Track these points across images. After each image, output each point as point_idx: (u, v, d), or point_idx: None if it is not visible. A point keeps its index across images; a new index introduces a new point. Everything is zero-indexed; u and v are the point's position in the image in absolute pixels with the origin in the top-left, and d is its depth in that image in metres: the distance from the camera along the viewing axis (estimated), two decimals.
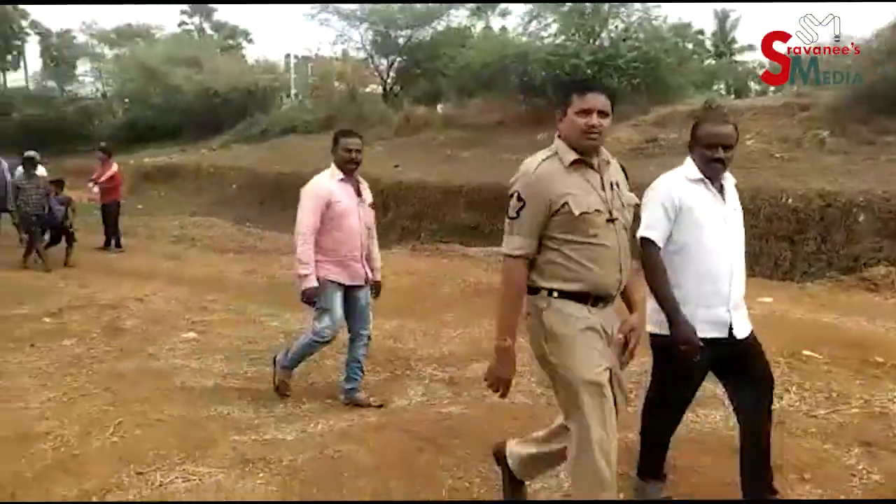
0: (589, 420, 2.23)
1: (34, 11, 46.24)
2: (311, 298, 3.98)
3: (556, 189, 2.26)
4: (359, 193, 4.17)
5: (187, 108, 32.17)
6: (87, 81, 45.34)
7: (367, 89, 27.68)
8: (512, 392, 4.10)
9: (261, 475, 3.04)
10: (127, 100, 37.13)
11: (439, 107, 21.96)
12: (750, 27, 62.22)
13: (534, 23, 20.56)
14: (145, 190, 20.61)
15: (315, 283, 3.94)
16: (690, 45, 23.10)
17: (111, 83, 41.99)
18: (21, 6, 41.92)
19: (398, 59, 27.18)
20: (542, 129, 15.92)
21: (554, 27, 19.93)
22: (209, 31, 50.67)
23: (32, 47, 47.42)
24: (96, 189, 10.70)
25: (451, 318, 6.32)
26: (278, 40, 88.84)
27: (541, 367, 2.52)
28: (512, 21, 24.42)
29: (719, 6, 35.45)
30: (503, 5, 25.43)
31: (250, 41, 51.58)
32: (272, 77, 33.77)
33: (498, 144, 15.85)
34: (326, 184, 4.08)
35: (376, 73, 27.64)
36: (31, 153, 9.89)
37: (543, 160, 2.34)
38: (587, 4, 19.04)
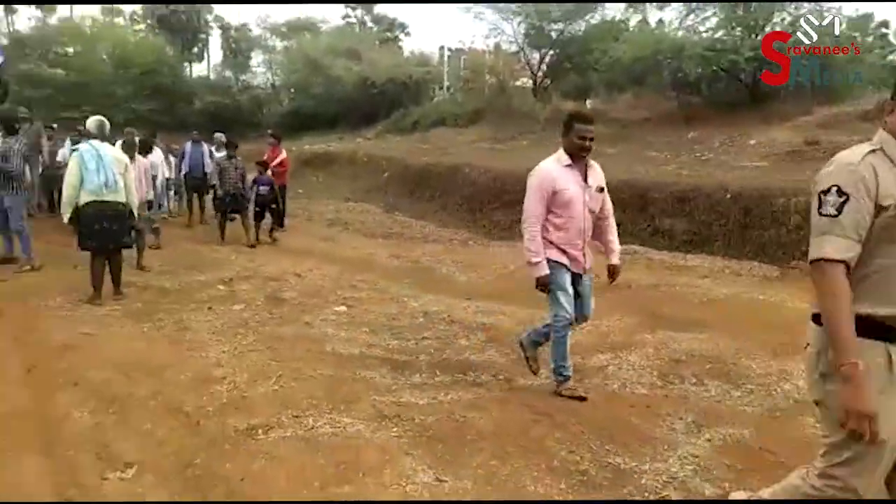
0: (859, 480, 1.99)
1: (217, 7, 50.62)
2: (545, 285, 3.95)
3: (886, 187, 1.95)
4: (585, 179, 4.03)
5: (346, 98, 33.88)
6: (259, 72, 48.75)
7: (518, 83, 27.85)
8: (632, 383, 4.35)
9: (394, 429, 3.52)
10: (292, 89, 39.65)
11: (588, 102, 21.77)
12: None
13: (691, 16, 19.88)
14: (305, 175, 22.04)
15: (547, 270, 3.91)
16: (870, 39, 21.22)
17: (280, 73, 44.97)
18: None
19: (550, 52, 27.11)
20: (693, 126, 15.50)
21: (713, 21, 19.17)
22: (369, 24, 53.12)
23: (215, 40, 51.89)
24: (269, 172, 11.67)
25: None
26: (434, 33, 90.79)
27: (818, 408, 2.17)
28: (669, 14, 23.51)
29: None
30: None
31: (407, 34, 53.25)
32: (426, 69, 34.78)
33: (643, 141, 15.59)
34: (552, 170, 3.99)
35: (527, 67, 27.75)
36: (220, 135, 11.46)
37: (868, 153, 2.00)
38: None
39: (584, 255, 4.05)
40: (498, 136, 20.34)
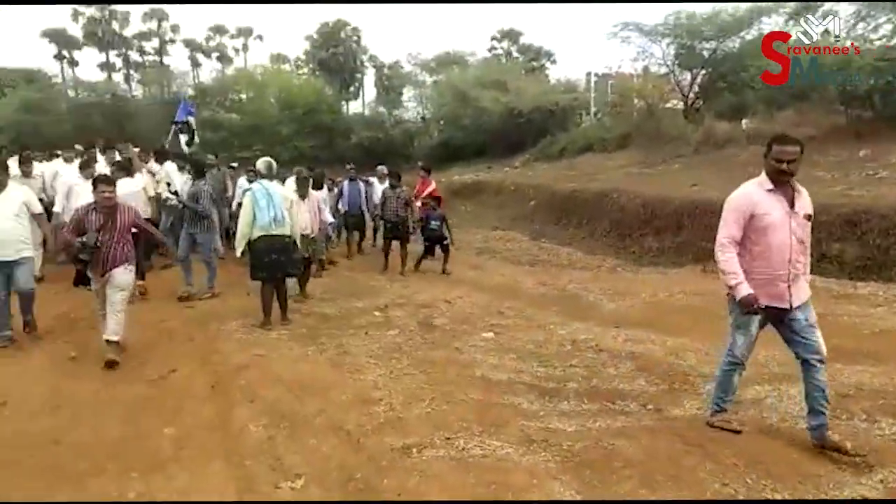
0: None
1: (372, 46, 53.69)
2: (751, 304, 3.68)
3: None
4: (792, 205, 3.76)
5: (493, 128, 34.56)
6: (410, 106, 50.95)
7: (667, 105, 27.11)
8: (793, 417, 4.14)
9: (542, 454, 3.59)
10: (441, 122, 41.01)
11: (744, 122, 20.74)
12: None
13: (860, 25, 18.46)
14: (455, 205, 22.63)
15: (749, 290, 3.68)
16: None
17: (429, 107, 46.72)
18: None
19: (702, 72, 26.22)
20: (864, 143, 14.36)
21: (886, 28, 17.71)
22: (515, 54, 54.00)
23: (369, 79, 55.07)
24: (419, 203, 11.75)
25: None
26: (580, 60, 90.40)
27: None
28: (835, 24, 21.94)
29: None
30: (827, 5, 23.09)
31: (553, 62, 53.75)
32: (572, 96, 34.74)
33: (808, 160, 14.52)
34: (752, 194, 3.79)
35: (677, 89, 26.97)
36: (382, 167, 12.15)
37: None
38: None
39: (789, 287, 3.75)
40: (647, 160, 19.89)
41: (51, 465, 3.70)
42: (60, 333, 6.52)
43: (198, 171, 8.69)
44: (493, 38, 53.45)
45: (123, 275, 5.70)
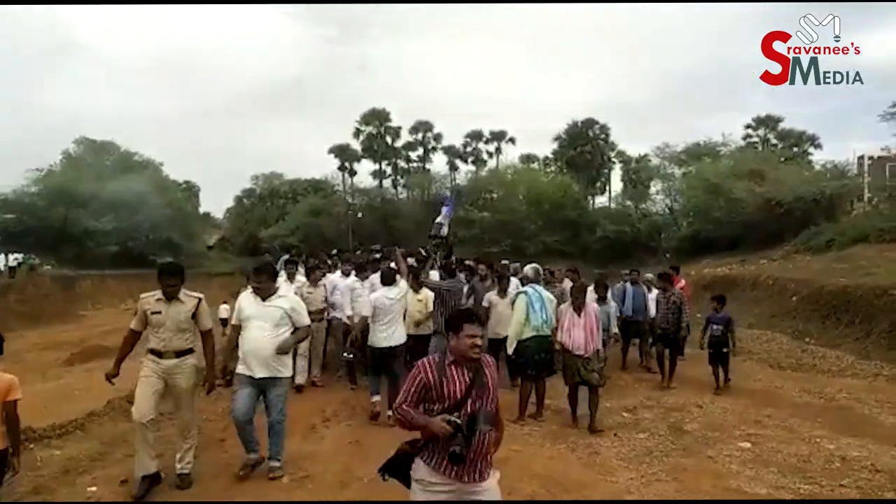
0: None
1: (620, 141, 54.54)
2: None
3: None
4: None
5: (747, 220, 32.90)
6: (657, 199, 50.31)
7: None
8: None
9: None
10: (691, 214, 39.92)
11: None
12: None
13: None
14: (704, 299, 21.75)
15: None
16: None
17: (678, 199, 45.78)
18: None
19: None
20: None
21: None
22: (773, 141, 51.22)
23: (616, 173, 55.68)
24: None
25: None
26: (847, 142, 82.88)
27: None
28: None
29: None
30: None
31: (817, 146, 50.07)
32: (840, 183, 31.98)
33: None
34: None
35: None
36: (650, 275, 11.71)
37: None
38: None
39: None
40: None
41: None
42: (343, 417, 7.58)
43: (450, 273, 9.09)
44: (748, 126, 51.34)
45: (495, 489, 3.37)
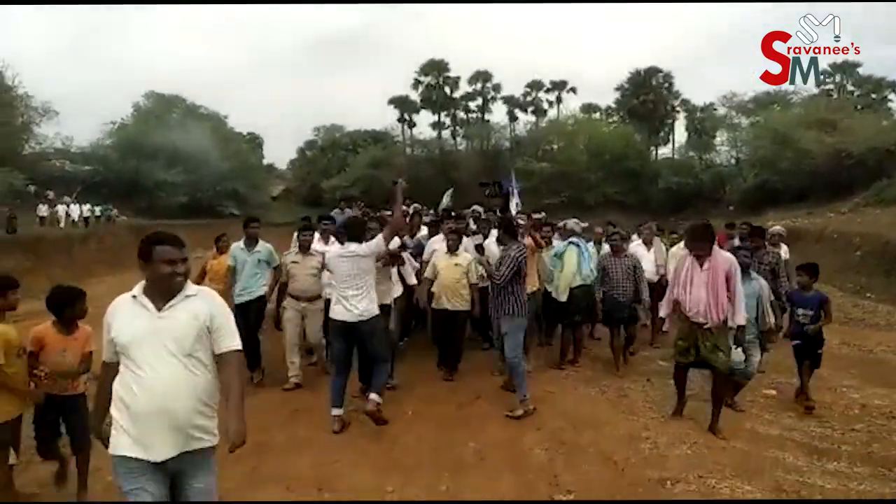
0: None
1: (685, 90, 52.93)
2: None
3: None
4: None
5: (816, 171, 31.89)
6: (722, 150, 49.00)
7: None
8: None
9: None
10: (757, 164, 38.80)
11: None
12: None
13: None
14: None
15: None
16: None
17: (744, 150, 44.49)
18: None
19: None
20: None
21: None
22: (850, 88, 48.80)
23: (680, 123, 54.22)
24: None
25: None
26: None
27: None
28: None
29: None
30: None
31: None
32: None
33: None
34: None
35: None
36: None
37: None
38: None
39: None
40: None
41: (390, 461, 4.86)
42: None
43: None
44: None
45: None
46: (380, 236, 5.41)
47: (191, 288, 2.86)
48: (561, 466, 4.66)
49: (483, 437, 5.29)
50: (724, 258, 5.28)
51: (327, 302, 6.37)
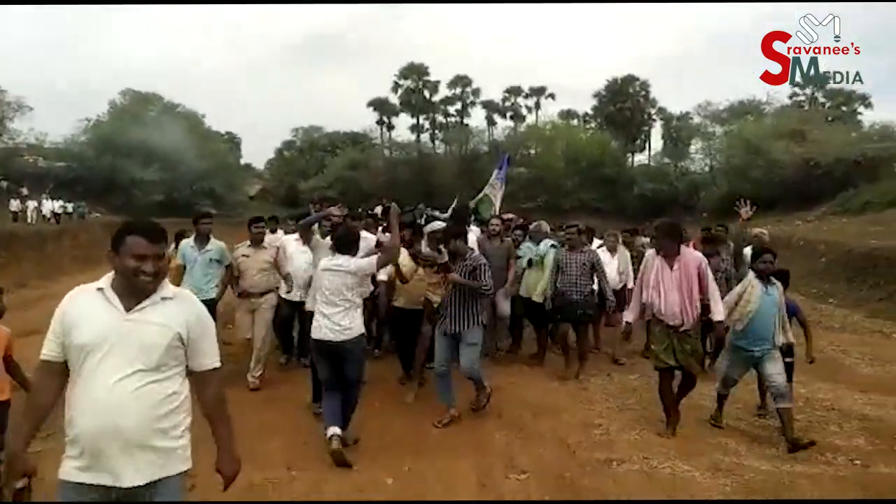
0: None
1: (661, 98, 53.68)
2: None
3: None
4: None
5: (786, 181, 32.62)
6: (696, 158, 49.85)
7: None
8: None
9: (724, 479, 4.21)
10: (729, 173, 39.55)
11: None
12: None
13: None
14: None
15: None
16: None
17: (717, 158, 45.30)
18: None
19: None
20: None
21: None
22: (821, 100, 49.77)
23: (656, 130, 55.07)
24: None
25: None
26: None
27: None
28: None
29: None
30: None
31: (868, 105, 48.43)
32: (884, 146, 31.35)
33: None
34: None
35: None
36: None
37: None
38: None
39: None
40: None
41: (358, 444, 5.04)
42: None
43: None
44: (796, 84, 49.82)
45: None
46: (373, 258, 4.96)
47: (168, 289, 2.39)
48: (518, 449, 4.91)
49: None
50: (693, 256, 5.21)
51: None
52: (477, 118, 57.18)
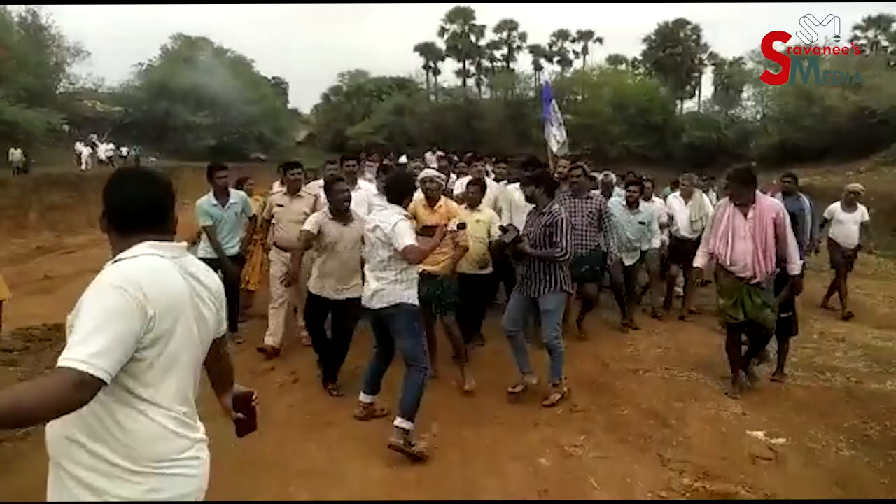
0: None
1: (713, 43, 52.16)
2: None
3: None
4: None
5: (839, 129, 31.99)
6: (748, 105, 48.67)
7: None
8: None
9: (724, 386, 4.92)
10: (780, 121, 38.79)
11: None
12: None
13: None
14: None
15: None
16: None
17: (770, 106, 44.26)
18: None
19: None
20: None
21: None
22: (883, 44, 47.98)
23: (707, 76, 53.85)
24: None
25: None
26: None
27: None
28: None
29: None
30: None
31: None
32: None
33: None
34: None
35: None
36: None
37: None
38: None
39: None
40: None
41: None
42: None
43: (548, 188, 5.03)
44: (857, 28, 48.01)
45: None
46: (412, 240, 4.01)
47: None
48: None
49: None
50: (769, 204, 4.83)
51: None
52: (523, 63, 56.67)
